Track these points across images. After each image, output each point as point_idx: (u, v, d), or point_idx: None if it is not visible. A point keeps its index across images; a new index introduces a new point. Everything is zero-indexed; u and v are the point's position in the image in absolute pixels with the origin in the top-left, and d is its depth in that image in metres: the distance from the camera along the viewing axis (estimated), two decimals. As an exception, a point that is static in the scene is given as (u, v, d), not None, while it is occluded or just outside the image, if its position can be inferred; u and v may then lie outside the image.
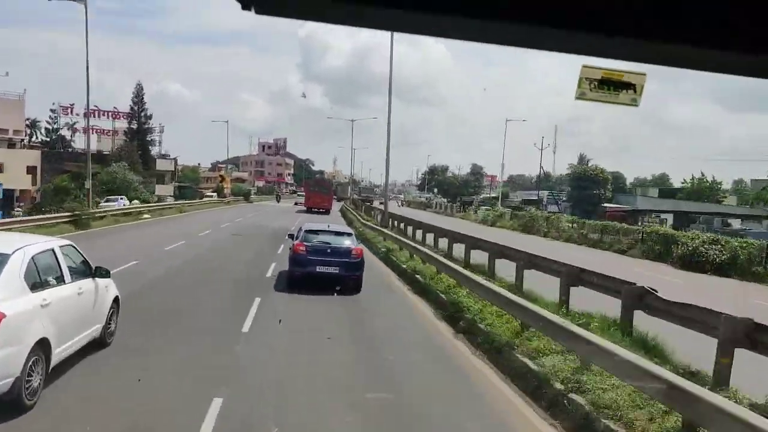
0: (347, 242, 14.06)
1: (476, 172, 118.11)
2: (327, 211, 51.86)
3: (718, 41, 0.70)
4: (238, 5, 0.70)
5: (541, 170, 75.37)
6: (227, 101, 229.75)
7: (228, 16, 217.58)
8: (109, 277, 7.95)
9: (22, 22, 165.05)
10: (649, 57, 0.79)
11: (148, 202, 44.76)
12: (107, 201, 39.14)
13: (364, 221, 36.09)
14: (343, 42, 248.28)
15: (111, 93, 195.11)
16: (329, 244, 13.80)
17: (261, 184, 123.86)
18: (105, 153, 57.46)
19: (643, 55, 0.79)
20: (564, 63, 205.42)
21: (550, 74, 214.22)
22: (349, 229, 16.13)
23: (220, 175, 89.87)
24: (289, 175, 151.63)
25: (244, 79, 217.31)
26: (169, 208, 43.97)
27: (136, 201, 42.65)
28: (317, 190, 57.57)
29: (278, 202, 79.30)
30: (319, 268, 13.17)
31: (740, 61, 0.75)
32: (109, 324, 8.03)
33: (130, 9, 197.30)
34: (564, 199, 66.10)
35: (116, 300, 8.31)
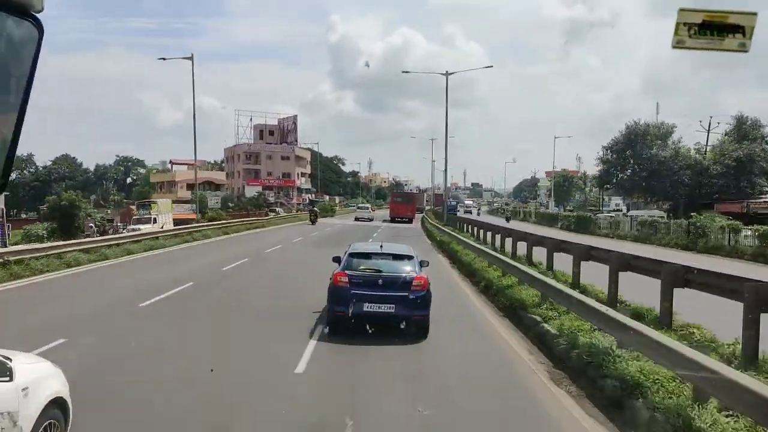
0: (407, 268, 10.46)
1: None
2: (410, 220, 57.56)
3: None
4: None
5: None
6: (260, 112, 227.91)
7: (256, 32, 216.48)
8: (10, 378, 4.13)
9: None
10: None
11: None
12: None
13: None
14: (372, 46, 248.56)
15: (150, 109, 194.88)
16: (381, 272, 10.29)
17: (255, 191, 78.76)
18: None
19: None
20: (604, 58, 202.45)
21: (591, 71, 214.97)
22: (409, 251, 11.37)
23: None
24: (303, 176, 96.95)
25: (275, 91, 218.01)
26: None
27: None
28: (401, 201, 64.75)
29: (313, 223, 48.59)
30: (367, 307, 9.87)
31: None
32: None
33: (164, 29, 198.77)
34: None
35: (58, 404, 4.77)
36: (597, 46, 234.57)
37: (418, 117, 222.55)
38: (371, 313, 9.88)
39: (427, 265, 11.37)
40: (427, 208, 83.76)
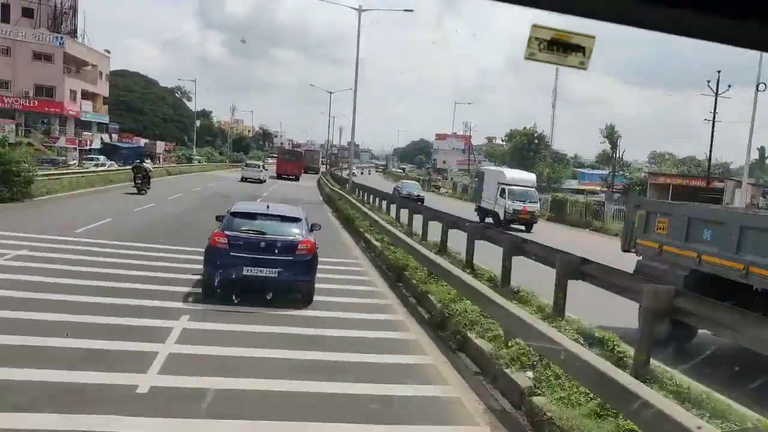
0: (293, 231, 9.72)
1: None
2: (296, 178, 55.52)
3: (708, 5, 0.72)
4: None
5: None
6: (116, 51, 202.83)
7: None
8: None
9: None
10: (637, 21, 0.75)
11: None
12: None
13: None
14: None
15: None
16: (264, 234, 9.45)
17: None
18: None
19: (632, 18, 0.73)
20: (480, 31, 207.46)
21: (466, 43, 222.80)
22: (298, 212, 10.61)
23: None
24: (89, 97, 54.20)
25: (135, 27, 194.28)
26: None
27: None
28: (289, 158, 61.05)
29: (141, 191, 27.22)
30: (247, 271, 9.07)
31: (725, 29, 0.75)
32: None
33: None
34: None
35: None
36: (470, 20, 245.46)
37: (291, 69, 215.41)
38: (251, 277, 9.10)
39: (319, 229, 10.73)
40: (323, 168, 73.66)
